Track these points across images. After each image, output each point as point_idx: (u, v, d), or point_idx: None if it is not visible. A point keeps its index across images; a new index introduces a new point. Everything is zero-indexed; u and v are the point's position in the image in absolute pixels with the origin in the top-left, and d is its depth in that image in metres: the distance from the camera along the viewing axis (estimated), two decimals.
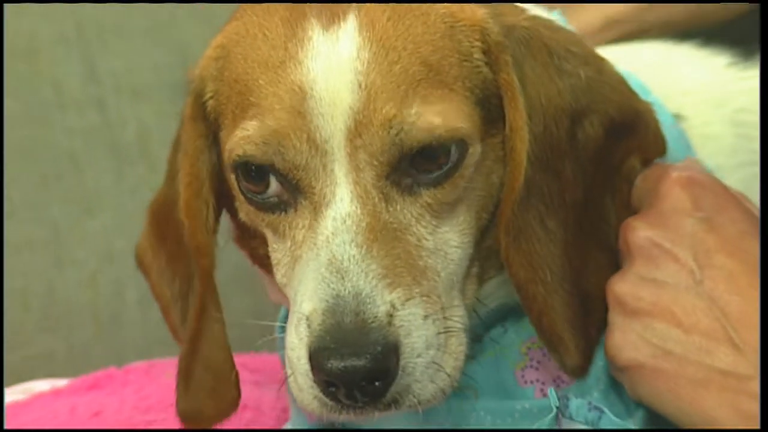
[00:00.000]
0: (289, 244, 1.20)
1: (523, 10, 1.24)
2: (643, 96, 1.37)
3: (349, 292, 1.13)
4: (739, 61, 1.46)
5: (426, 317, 1.13)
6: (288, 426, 1.42)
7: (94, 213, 2.07)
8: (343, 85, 1.15)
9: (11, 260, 2.04)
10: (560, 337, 1.18)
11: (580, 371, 1.20)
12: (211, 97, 1.26)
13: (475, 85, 1.18)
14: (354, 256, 1.14)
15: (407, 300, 1.13)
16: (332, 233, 1.15)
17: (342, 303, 1.12)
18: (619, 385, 1.23)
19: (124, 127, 2.08)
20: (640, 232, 1.21)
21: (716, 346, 1.16)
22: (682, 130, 1.38)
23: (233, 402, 1.30)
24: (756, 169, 1.36)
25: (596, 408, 1.22)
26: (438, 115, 1.15)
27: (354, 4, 1.18)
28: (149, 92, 1.98)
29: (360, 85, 1.15)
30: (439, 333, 1.14)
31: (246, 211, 1.26)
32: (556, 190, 1.18)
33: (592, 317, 1.21)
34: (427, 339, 1.13)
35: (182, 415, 1.33)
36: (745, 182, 1.35)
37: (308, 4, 1.19)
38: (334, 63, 1.16)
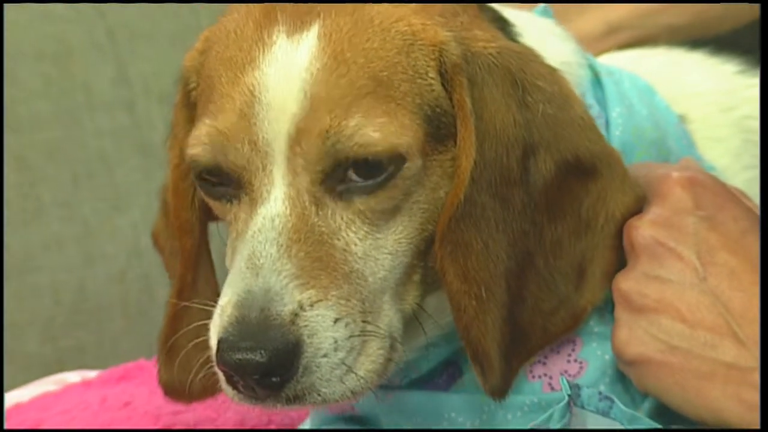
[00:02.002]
0: (234, 234, 1.22)
1: (495, 38, 1.23)
2: (648, 98, 1.38)
3: (259, 289, 1.14)
4: (747, 69, 1.47)
5: (338, 320, 1.14)
6: (309, 416, 1.43)
7: (123, 210, 2.09)
8: (290, 93, 1.16)
9: (42, 257, 2.06)
10: (486, 354, 1.18)
11: (499, 393, 1.20)
12: (194, 89, 1.29)
13: (425, 102, 1.18)
14: (272, 254, 1.15)
15: (318, 301, 1.14)
16: (258, 230, 1.17)
17: (251, 298, 1.14)
18: (623, 378, 1.25)
19: (152, 128, 2.10)
20: (643, 231, 1.22)
21: (720, 340, 1.17)
22: (685, 130, 1.39)
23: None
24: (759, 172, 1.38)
25: (607, 398, 1.23)
26: (377, 130, 1.15)
27: (323, 13, 1.19)
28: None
29: (305, 95, 1.16)
30: (353, 336, 1.14)
31: (205, 200, 1.28)
32: (502, 217, 1.17)
33: (519, 348, 1.20)
34: (336, 341, 1.14)
35: (164, 387, 1.35)
36: (750, 184, 1.36)
37: (284, 10, 1.21)
38: (286, 70, 1.17)
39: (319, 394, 1.15)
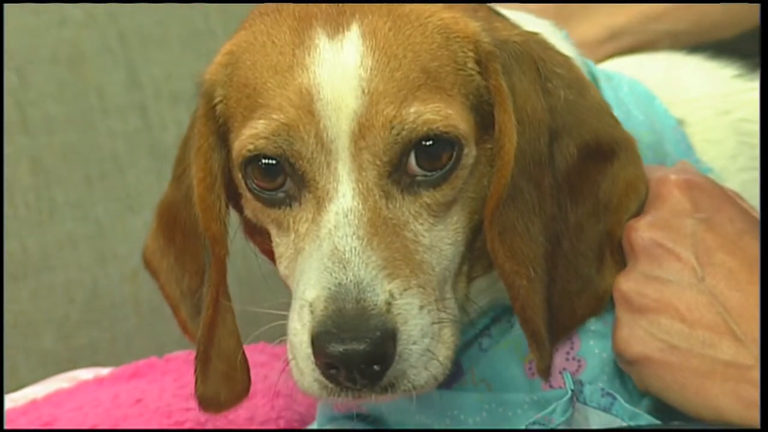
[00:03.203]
0: (292, 237, 1.23)
1: (515, 26, 1.26)
2: (646, 103, 1.39)
3: (350, 281, 1.16)
4: (744, 74, 1.48)
5: (422, 307, 1.16)
6: (318, 414, 1.44)
7: (135, 211, 2.09)
8: (347, 91, 1.18)
9: (57, 256, 2.06)
10: (539, 332, 1.21)
11: (546, 372, 1.23)
12: (221, 102, 1.29)
13: (469, 92, 1.21)
14: (355, 247, 1.17)
15: (405, 290, 1.16)
16: (335, 226, 1.18)
17: (344, 291, 1.15)
18: (621, 375, 1.26)
19: (163, 130, 2.10)
20: (643, 233, 1.23)
21: (719, 339, 1.19)
22: (684, 133, 1.40)
23: (245, 387, 1.33)
24: (755, 174, 1.38)
25: (609, 394, 1.24)
26: (436, 114, 1.18)
27: (358, 14, 1.21)
28: (187, 97, 2.00)
29: (363, 91, 1.18)
30: (434, 323, 1.17)
31: (252, 208, 1.30)
32: (537, 199, 1.20)
33: (555, 327, 1.23)
34: (423, 328, 1.16)
35: (201, 400, 1.35)
36: (746, 185, 1.37)
37: (314, 14, 1.23)
38: (339, 69, 1.19)
39: (408, 381, 1.17)
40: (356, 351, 1.13)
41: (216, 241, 1.31)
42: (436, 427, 1.27)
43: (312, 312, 1.15)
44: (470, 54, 1.21)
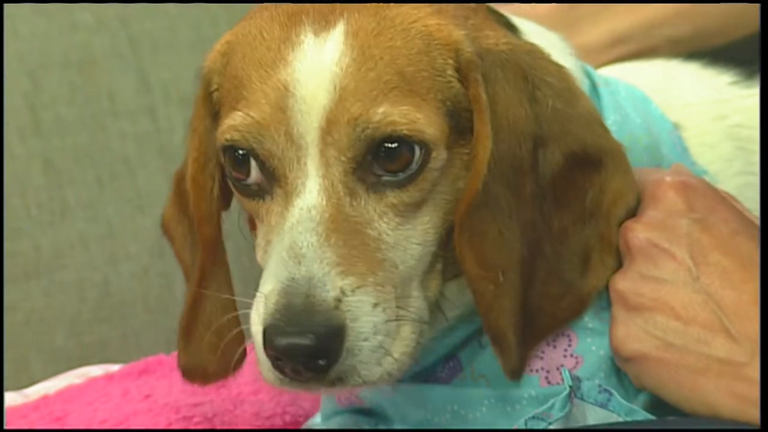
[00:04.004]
0: (265, 229, 1.25)
1: (505, 36, 1.26)
2: (643, 107, 1.39)
3: (302, 276, 1.17)
4: (740, 81, 1.48)
5: (376, 305, 1.17)
6: (320, 408, 1.44)
7: (145, 211, 2.10)
8: (320, 87, 1.19)
9: (68, 255, 2.06)
10: (504, 336, 1.21)
11: (516, 374, 1.23)
12: (216, 90, 1.31)
13: (447, 98, 1.21)
14: (312, 243, 1.18)
15: (358, 288, 1.17)
16: (297, 221, 1.19)
17: (295, 285, 1.17)
18: (618, 372, 1.26)
19: (172, 132, 2.11)
20: (639, 234, 1.24)
21: (713, 336, 1.19)
22: (679, 137, 1.41)
23: (236, 361, 1.33)
24: (751, 178, 1.40)
25: (606, 390, 1.25)
26: (403, 117, 1.18)
27: (346, 13, 1.22)
28: None
29: (335, 87, 1.19)
30: (389, 320, 1.17)
31: (237, 197, 1.31)
32: (515, 206, 1.20)
33: (530, 332, 1.23)
34: (375, 325, 1.17)
35: (184, 370, 1.38)
36: (741, 189, 1.37)
37: (307, 11, 1.24)
38: (316, 66, 1.20)
39: (359, 376, 1.18)
40: (299, 345, 1.15)
41: (202, 221, 1.33)
42: (436, 421, 1.28)
43: (266, 304, 1.17)
44: (450, 62, 1.22)
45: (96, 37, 2.11)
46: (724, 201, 1.26)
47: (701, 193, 1.26)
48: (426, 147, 1.20)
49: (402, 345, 1.19)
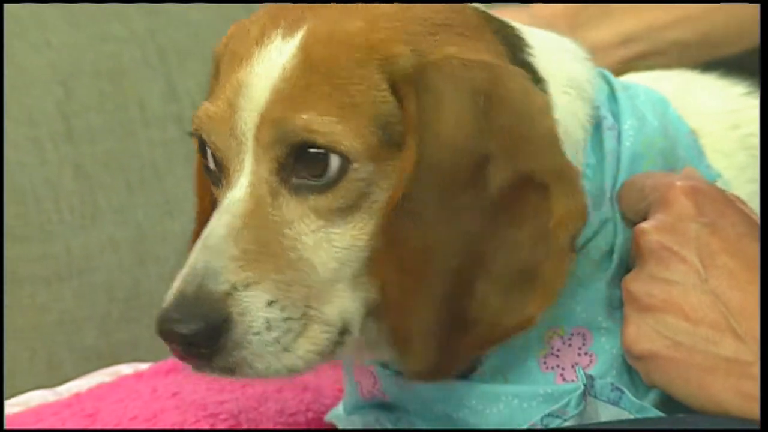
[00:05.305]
0: None
1: (468, 51, 1.22)
2: (661, 108, 1.39)
3: (201, 266, 1.18)
4: (753, 91, 1.49)
5: (273, 302, 1.18)
6: (342, 403, 1.45)
7: (174, 216, 2.12)
8: (264, 88, 1.21)
9: (99, 258, 2.08)
10: (408, 340, 1.20)
11: (417, 376, 1.22)
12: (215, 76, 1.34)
13: (380, 113, 1.20)
14: (221, 235, 1.19)
15: (254, 284, 1.17)
16: (219, 212, 1.21)
17: (192, 274, 1.18)
18: (629, 370, 1.27)
19: None
20: (650, 237, 1.25)
21: (721, 336, 1.20)
22: (696, 140, 1.41)
23: None
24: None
25: (618, 388, 1.25)
26: (323, 126, 1.19)
27: (311, 20, 1.23)
28: None
29: (273, 90, 1.21)
30: (291, 319, 1.18)
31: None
32: (450, 217, 1.18)
33: (465, 339, 1.21)
34: (270, 321, 1.17)
35: None
36: (752, 196, 1.37)
37: (286, 14, 1.25)
38: (267, 68, 1.22)
39: (251, 368, 1.18)
40: (174, 332, 1.17)
41: (203, 213, 1.34)
42: (454, 416, 1.29)
43: (170, 289, 1.20)
44: (384, 76, 1.21)
45: (126, 48, 2.13)
46: (733, 205, 1.27)
47: (710, 198, 1.26)
48: (344, 157, 1.19)
49: (308, 343, 1.19)
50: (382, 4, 1.26)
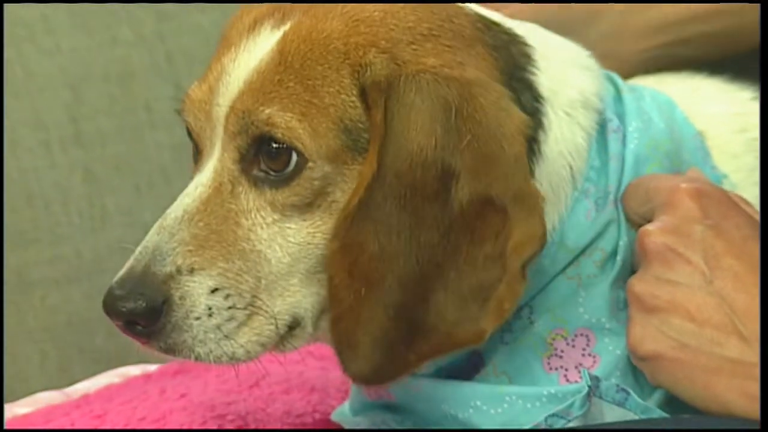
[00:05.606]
0: None
1: (446, 66, 1.21)
2: (668, 110, 1.39)
3: (151, 246, 1.20)
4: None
5: (217, 290, 1.19)
6: (348, 402, 1.45)
7: None
8: (239, 78, 1.23)
9: (108, 260, 2.09)
10: (355, 343, 1.19)
11: (361, 379, 1.22)
12: None
13: (347, 117, 1.20)
14: (177, 218, 1.21)
15: (199, 269, 1.19)
16: (182, 195, 1.23)
17: (143, 253, 1.20)
18: (634, 371, 1.27)
19: None
20: (655, 239, 1.25)
21: (726, 338, 1.20)
22: (702, 141, 1.40)
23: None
24: None
25: (623, 390, 1.24)
26: (284, 123, 1.19)
27: (297, 16, 1.24)
28: None
29: (245, 81, 1.22)
30: (235, 308, 1.19)
31: None
32: (409, 226, 1.17)
33: (419, 345, 1.20)
34: (211, 308, 1.18)
35: None
36: (758, 198, 1.37)
37: (279, 8, 1.26)
38: (248, 58, 1.23)
39: (192, 352, 1.20)
40: (113, 307, 1.18)
41: None
42: (459, 416, 1.28)
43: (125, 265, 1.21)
44: (356, 82, 1.21)
45: (135, 52, 2.14)
46: (737, 207, 1.27)
47: (715, 200, 1.26)
48: (301, 155, 1.20)
49: (250, 334, 1.20)
50: (371, 6, 1.25)
